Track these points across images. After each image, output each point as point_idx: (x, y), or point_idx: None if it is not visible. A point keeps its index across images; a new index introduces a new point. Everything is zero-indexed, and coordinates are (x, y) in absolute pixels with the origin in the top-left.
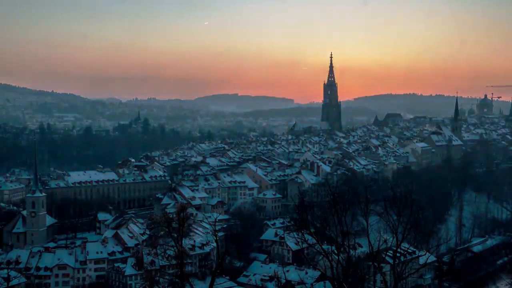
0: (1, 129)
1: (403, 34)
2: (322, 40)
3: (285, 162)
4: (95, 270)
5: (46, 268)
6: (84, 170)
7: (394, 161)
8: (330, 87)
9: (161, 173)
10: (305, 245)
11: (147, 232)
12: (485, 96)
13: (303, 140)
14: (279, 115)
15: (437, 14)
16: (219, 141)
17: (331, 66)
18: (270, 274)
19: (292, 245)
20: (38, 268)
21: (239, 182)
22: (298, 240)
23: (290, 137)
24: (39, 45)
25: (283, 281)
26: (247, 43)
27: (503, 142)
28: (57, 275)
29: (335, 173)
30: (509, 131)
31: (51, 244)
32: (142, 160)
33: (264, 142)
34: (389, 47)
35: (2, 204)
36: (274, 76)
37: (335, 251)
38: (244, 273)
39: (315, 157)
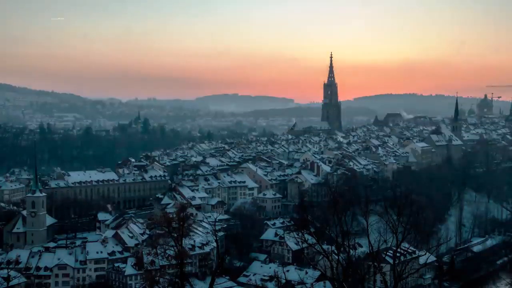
0: (1, 129)
1: (403, 34)
2: (322, 40)
3: (285, 162)
4: (95, 270)
5: (46, 268)
6: (84, 170)
7: (394, 161)
8: (330, 87)
9: (161, 173)
10: (305, 245)
11: (147, 232)
12: (485, 96)
13: (303, 140)
14: (279, 115)
15: (437, 14)
16: (219, 141)
17: (331, 66)
18: (270, 274)
19: (292, 245)
20: (38, 268)
21: (239, 182)
22: (298, 240)
23: (290, 137)
24: (39, 45)
25: (283, 281)
26: (247, 43)
27: (503, 142)
28: (57, 275)
29: (335, 173)
30: (509, 131)
31: (51, 244)
32: (142, 160)
33: (264, 142)
34: (389, 47)
35: (2, 204)
36: (274, 76)
37: (335, 251)
38: (244, 273)
39: (315, 157)
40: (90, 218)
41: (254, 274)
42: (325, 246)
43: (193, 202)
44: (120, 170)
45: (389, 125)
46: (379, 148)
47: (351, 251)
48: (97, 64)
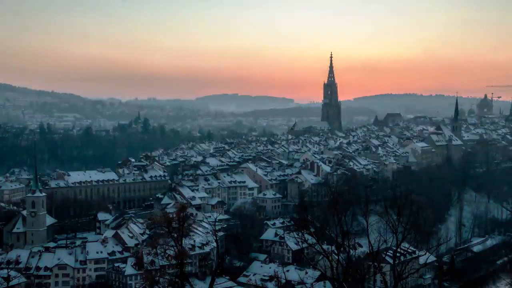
0: (1, 129)
1: (403, 34)
2: (322, 40)
3: (285, 162)
4: (95, 270)
5: (46, 268)
6: (84, 170)
7: (394, 161)
8: (330, 87)
9: (161, 173)
10: (305, 245)
11: (147, 232)
12: (485, 96)
13: (303, 140)
14: (279, 115)
15: (437, 14)
16: (219, 141)
17: (331, 66)
18: (270, 274)
19: (292, 245)
20: (38, 268)
21: (239, 182)
22: (298, 240)
23: (290, 137)
24: (39, 45)
25: (283, 281)
26: (247, 43)
27: (503, 142)
28: (57, 275)
29: (335, 173)
30: (509, 131)
31: (51, 244)
32: (142, 160)
33: (264, 142)
34: (389, 47)
35: (2, 204)
36: (274, 76)
37: (335, 251)
38: (244, 273)
39: (315, 157)
40: (90, 218)
41: (254, 274)
42: (325, 246)
43: (193, 202)
44: (120, 170)
45: (389, 125)
46: (379, 148)
47: (351, 251)
48: (97, 64)
